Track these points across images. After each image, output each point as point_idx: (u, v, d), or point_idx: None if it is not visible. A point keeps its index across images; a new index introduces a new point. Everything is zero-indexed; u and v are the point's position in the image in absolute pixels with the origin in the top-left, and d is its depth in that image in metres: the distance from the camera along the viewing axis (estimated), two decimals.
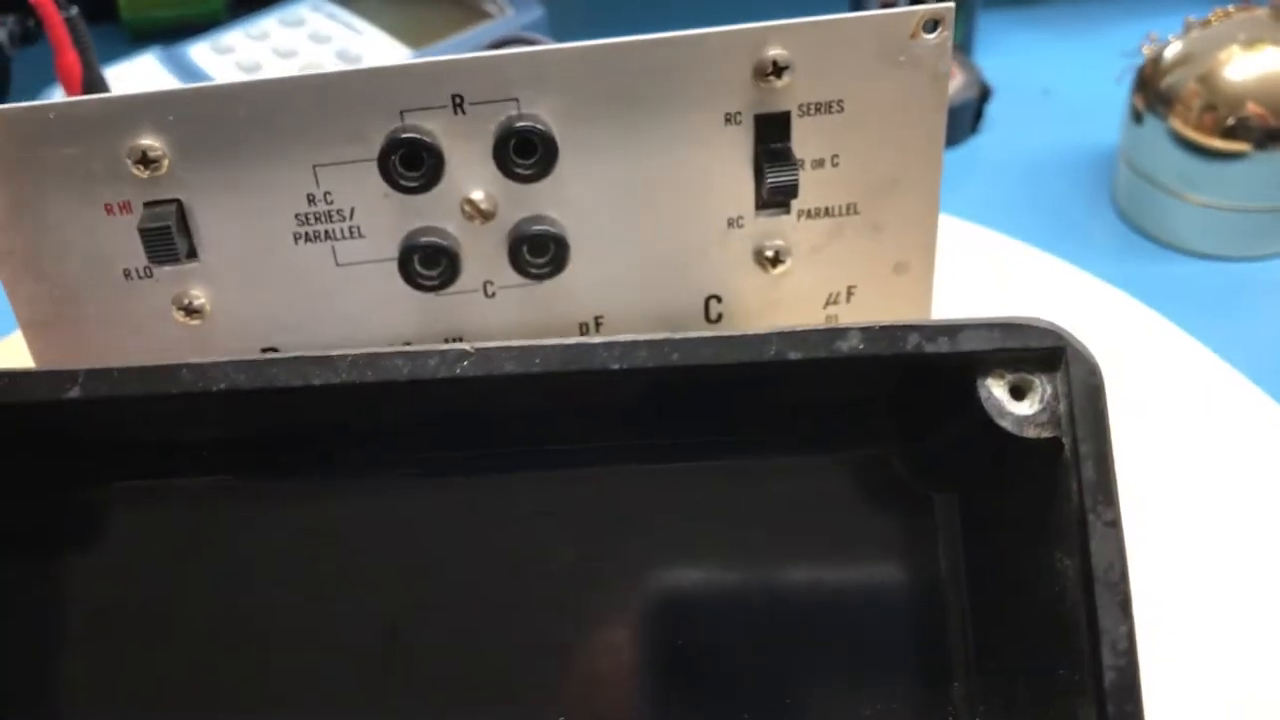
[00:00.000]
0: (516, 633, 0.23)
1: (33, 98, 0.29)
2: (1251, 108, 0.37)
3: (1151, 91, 0.39)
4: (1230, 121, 0.38)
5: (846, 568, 0.23)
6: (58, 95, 0.39)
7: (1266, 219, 0.39)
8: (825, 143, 0.24)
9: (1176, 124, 0.39)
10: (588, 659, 0.23)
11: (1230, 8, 0.40)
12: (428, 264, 0.24)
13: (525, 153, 0.23)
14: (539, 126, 0.23)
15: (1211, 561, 0.28)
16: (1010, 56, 0.50)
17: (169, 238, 0.23)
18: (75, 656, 0.23)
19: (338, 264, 0.24)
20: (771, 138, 0.23)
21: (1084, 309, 0.35)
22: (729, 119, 0.23)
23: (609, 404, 0.22)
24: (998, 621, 0.22)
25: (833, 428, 0.23)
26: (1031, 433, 0.19)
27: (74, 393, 0.20)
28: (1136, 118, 0.40)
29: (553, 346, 0.20)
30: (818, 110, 0.23)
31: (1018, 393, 0.20)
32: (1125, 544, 0.19)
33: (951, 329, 0.20)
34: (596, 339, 0.20)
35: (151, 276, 0.24)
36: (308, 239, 0.24)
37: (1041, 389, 0.20)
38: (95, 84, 0.36)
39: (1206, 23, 0.40)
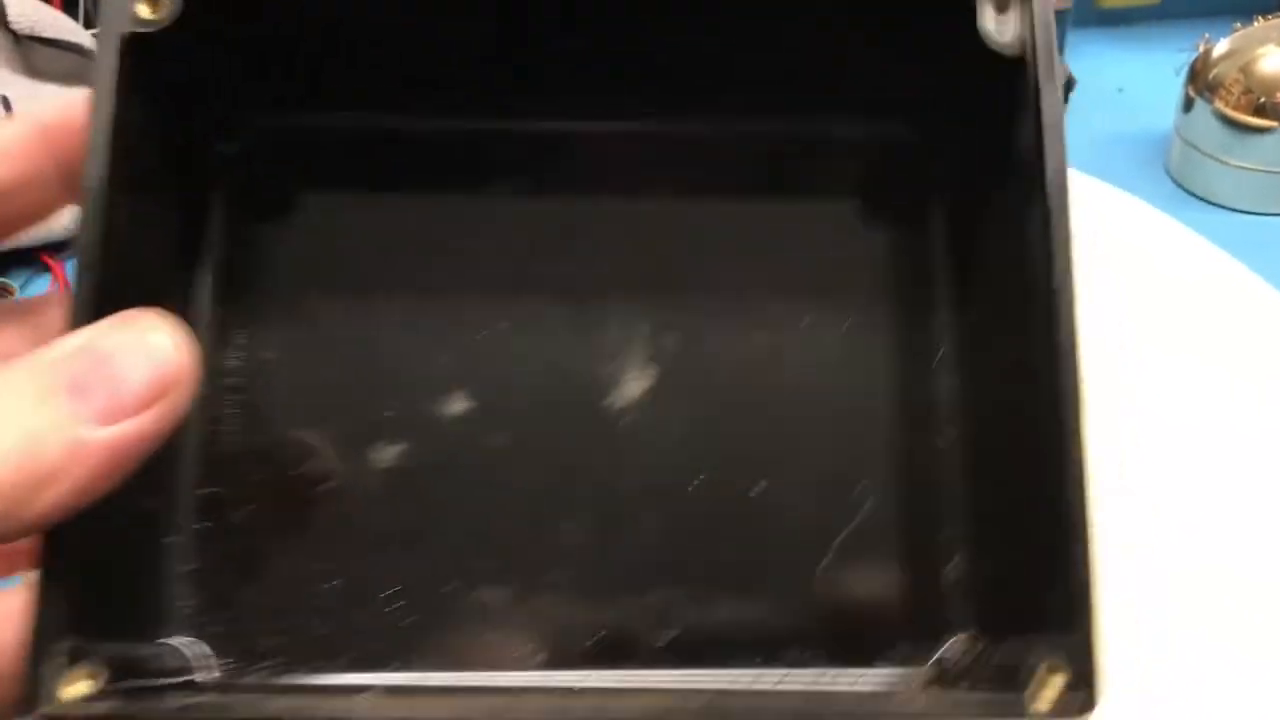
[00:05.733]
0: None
1: None
2: None
3: (1202, 80, 0.49)
4: (1263, 102, 0.48)
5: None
6: None
7: None
8: None
9: (1220, 105, 0.49)
10: None
11: (1270, 17, 0.50)
12: None
13: None
14: None
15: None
16: (1092, 61, 0.60)
17: None
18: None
19: None
20: None
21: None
22: None
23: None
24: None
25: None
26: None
27: None
28: (1188, 102, 0.50)
29: None
30: None
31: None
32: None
33: None
34: None
35: None
36: None
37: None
38: None
39: (1249, 27, 0.50)
